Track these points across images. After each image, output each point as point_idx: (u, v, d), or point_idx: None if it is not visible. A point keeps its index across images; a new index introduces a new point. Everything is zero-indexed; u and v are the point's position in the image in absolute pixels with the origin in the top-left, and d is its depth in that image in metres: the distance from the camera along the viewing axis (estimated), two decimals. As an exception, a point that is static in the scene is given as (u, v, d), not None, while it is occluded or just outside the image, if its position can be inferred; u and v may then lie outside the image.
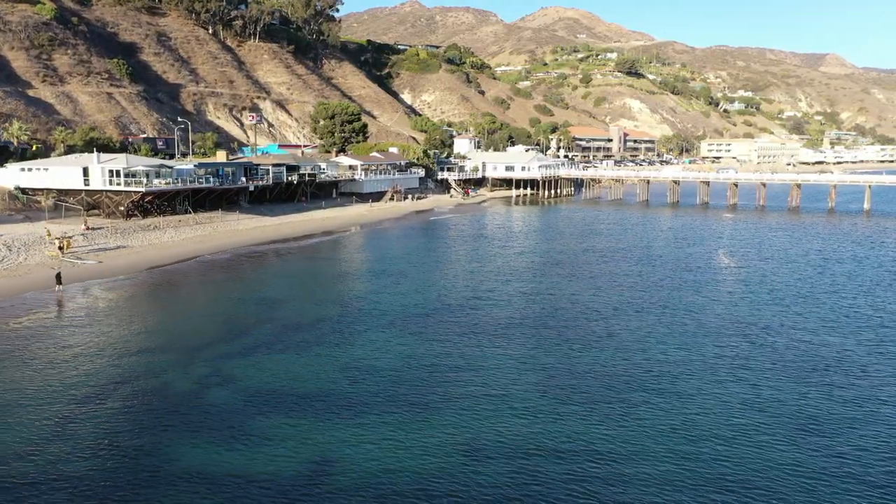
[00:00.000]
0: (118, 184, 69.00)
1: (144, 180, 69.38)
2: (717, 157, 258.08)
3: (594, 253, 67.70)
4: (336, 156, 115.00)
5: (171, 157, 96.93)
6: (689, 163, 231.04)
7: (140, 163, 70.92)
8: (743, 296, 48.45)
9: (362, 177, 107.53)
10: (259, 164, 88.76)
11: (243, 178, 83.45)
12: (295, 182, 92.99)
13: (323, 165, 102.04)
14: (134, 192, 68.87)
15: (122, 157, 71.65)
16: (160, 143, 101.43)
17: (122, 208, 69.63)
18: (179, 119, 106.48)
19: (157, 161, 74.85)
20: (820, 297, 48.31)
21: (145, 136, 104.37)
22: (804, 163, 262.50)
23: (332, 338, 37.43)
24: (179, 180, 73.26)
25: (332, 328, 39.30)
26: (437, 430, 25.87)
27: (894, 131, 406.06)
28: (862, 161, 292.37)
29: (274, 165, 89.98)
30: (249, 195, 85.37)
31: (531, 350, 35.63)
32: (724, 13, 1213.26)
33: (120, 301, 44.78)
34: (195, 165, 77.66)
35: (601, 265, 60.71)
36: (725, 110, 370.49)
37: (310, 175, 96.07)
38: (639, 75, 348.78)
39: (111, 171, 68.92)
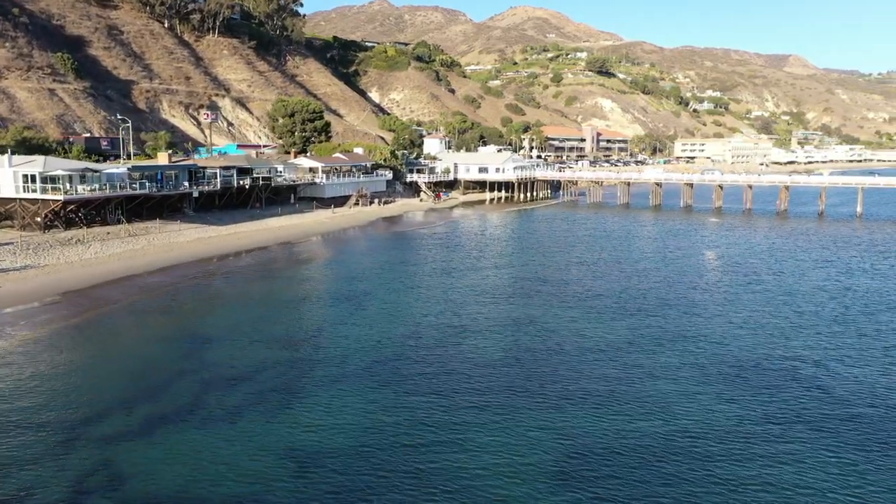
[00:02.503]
0: (34, 190, 58.91)
1: (67, 186, 59.48)
2: (692, 157, 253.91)
3: (582, 266, 59.89)
4: (295, 157, 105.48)
5: (117, 157, 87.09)
6: (664, 163, 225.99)
7: (60, 166, 60.74)
8: (769, 321, 40.92)
9: (324, 180, 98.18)
10: (206, 167, 78.91)
11: (186, 183, 73.63)
12: (248, 186, 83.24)
13: (280, 167, 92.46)
14: (52, 200, 58.78)
15: (39, 159, 61.44)
16: (104, 144, 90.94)
17: (40, 219, 59.52)
18: (119, 117, 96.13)
19: (81, 164, 64.64)
20: (858, 319, 41.08)
21: (90, 135, 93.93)
22: (777, 163, 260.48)
23: (276, 397, 28.66)
24: (108, 186, 63.31)
25: (278, 381, 30.48)
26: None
27: (859, 131, 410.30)
28: (832, 161, 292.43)
29: (223, 168, 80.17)
30: (195, 202, 75.54)
31: (539, 410, 27.31)
32: (690, 13, 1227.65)
33: (4, 342, 35.23)
34: (129, 169, 67.69)
35: (594, 282, 52.84)
36: (695, 110, 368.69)
37: (264, 178, 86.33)
38: (609, 75, 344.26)
39: (25, 176, 58.81)
